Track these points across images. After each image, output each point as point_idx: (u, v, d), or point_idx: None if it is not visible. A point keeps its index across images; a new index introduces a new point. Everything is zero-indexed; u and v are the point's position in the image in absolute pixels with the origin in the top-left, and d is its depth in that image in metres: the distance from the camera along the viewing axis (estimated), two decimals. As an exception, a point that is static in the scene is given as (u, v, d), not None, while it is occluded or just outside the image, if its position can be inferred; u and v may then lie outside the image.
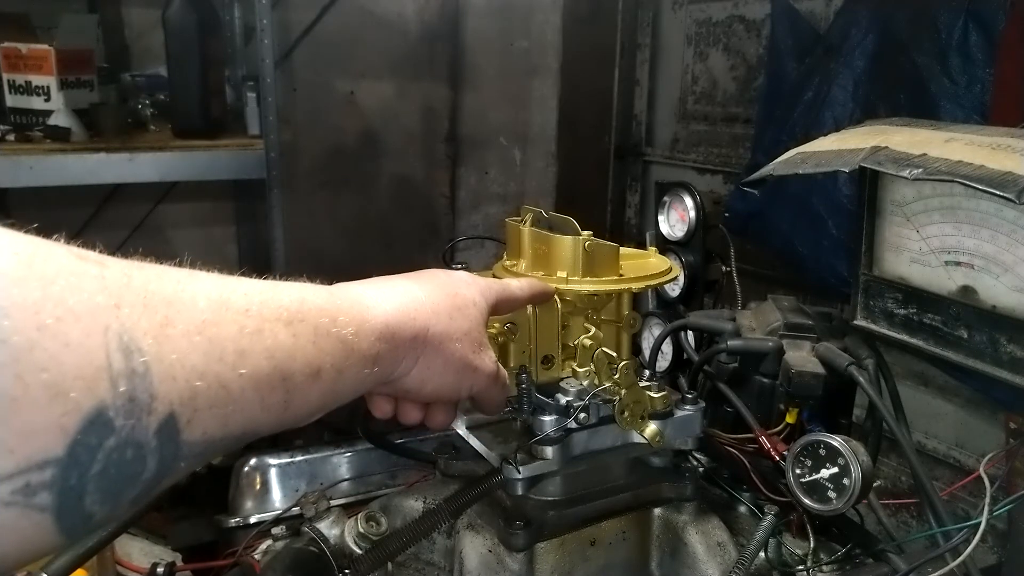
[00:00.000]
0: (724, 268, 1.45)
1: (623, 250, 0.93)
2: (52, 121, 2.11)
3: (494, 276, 0.94)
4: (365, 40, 2.85)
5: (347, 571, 0.84)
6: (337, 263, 2.96)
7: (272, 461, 1.31)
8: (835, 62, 2.08)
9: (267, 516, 1.21)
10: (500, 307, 0.75)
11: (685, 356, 1.30)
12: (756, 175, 1.18)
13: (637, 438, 0.86)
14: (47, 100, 2.12)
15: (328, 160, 2.89)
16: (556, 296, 0.86)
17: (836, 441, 0.86)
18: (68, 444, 0.36)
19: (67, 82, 2.13)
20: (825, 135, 1.16)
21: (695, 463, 1.02)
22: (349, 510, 1.01)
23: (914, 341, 1.04)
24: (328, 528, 0.96)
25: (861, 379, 0.95)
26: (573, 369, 0.86)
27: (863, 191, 1.08)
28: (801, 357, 1.00)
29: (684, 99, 2.95)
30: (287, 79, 2.72)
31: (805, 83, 2.17)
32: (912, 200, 1.03)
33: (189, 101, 2.28)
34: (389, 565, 0.90)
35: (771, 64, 2.38)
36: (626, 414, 0.83)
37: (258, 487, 1.30)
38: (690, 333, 1.27)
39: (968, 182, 0.86)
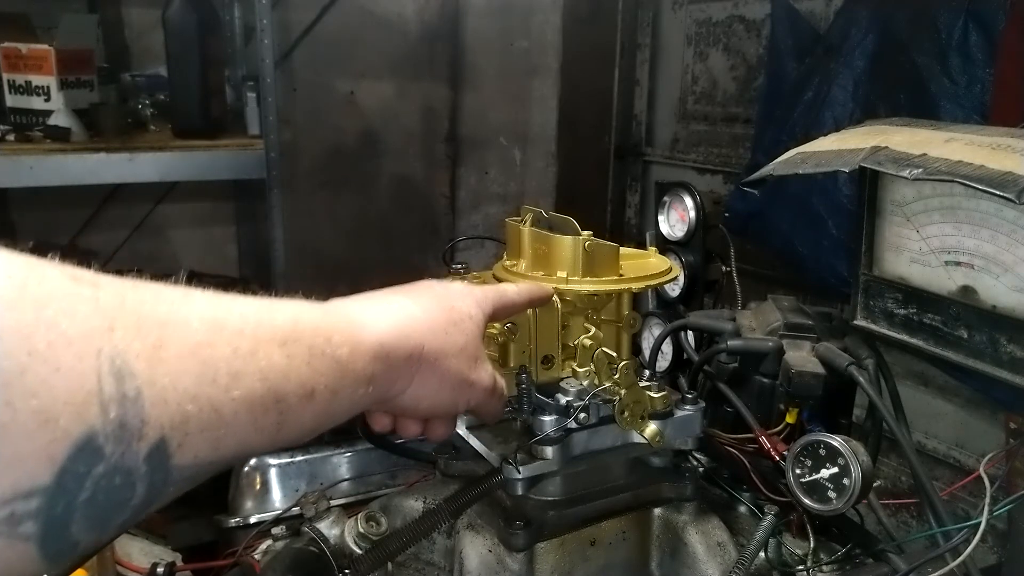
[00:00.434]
0: (724, 268, 1.45)
1: (623, 250, 0.93)
2: (52, 121, 2.12)
3: (494, 276, 0.94)
4: (365, 40, 2.85)
5: (347, 571, 0.84)
6: (337, 263, 2.96)
7: (272, 461, 1.31)
8: (835, 62, 2.08)
9: (267, 516, 1.21)
10: (498, 314, 0.75)
11: (685, 356, 1.30)
12: (756, 175, 1.18)
13: (637, 438, 0.86)
14: (47, 100, 2.12)
15: (328, 160, 2.89)
16: (556, 296, 0.86)
17: (836, 441, 0.86)
18: (56, 472, 0.35)
19: (67, 82, 2.13)
20: (825, 135, 1.16)
21: (695, 463, 1.02)
22: (349, 510, 1.01)
23: (914, 341, 1.04)
24: (328, 528, 0.96)
25: (861, 379, 0.95)
26: (573, 369, 0.86)
27: (863, 191, 1.08)
28: (801, 357, 1.00)
29: (684, 99, 2.95)
30: (287, 79, 2.72)
31: (805, 83, 2.17)
32: (912, 200, 1.03)
33: (189, 101, 2.28)
34: (389, 565, 0.90)
35: (771, 64, 2.38)
36: (626, 414, 0.83)
37: (258, 487, 1.30)
38: (690, 333, 1.27)
39: (968, 182, 0.86)
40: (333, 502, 1.02)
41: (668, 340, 1.31)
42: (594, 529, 0.90)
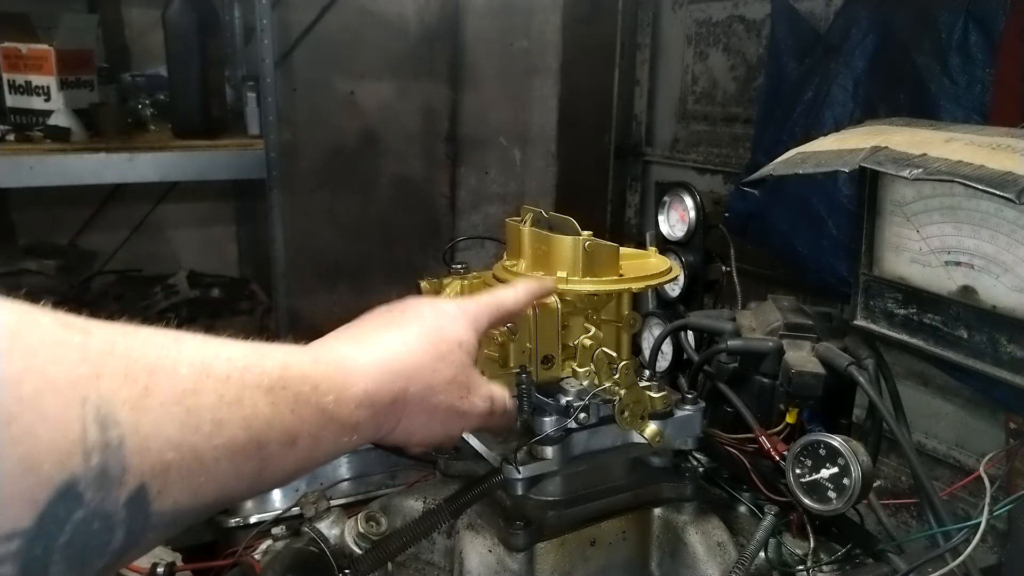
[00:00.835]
0: (724, 268, 1.45)
1: (623, 250, 0.93)
2: (52, 121, 2.12)
3: (494, 276, 0.94)
4: (365, 40, 2.85)
5: (347, 571, 0.84)
6: (337, 263, 2.96)
7: (272, 461, 1.31)
8: (835, 62, 2.08)
9: (267, 516, 1.21)
10: (496, 325, 0.74)
11: (685, 356, 1.30)
12: (756, 175, 1.18)
13: (637, 438, 0.86)
14: (47, 100, 2.12)
15: (328, 160, 2.89)
16: (556, 296, 0.86)
17: (836, 441, 0.86)
18: (36, 516, 0.36)
19: (67, 82, 2.13)
20: (825, 135, 1.16)
21: (695, 463, 1.02)
22: (349, 510, 1.01)
23: (914, 341, 1.04)
24: (328, 528, 0.96)
25: (861, 379, 0.95)
26: (573, 369, 0.86)
27: (863, 191, 1.08)
28: (801, 357, 1.00)
29: (684, 99, 2.95)
30: (287, 79, 2.72)
31: (805, 83, 2.17)
32: (912, 200, 1.03)
33: (189, 101, 2.28)
34: (389, 565, 0.90)
35: (771, 64, 2.38)
36: (626, 414, 0.83)
37: (258, 487, 1.30)
38: (690, 333, 1.27)
39: (968, 182, 0.86)
40: (333, 502, 1.02)
41: (668, 340, 1.31)
42: (594, 529, 0.90)
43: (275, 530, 1.01)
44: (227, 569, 1.06)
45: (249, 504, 1.29)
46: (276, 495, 1.30)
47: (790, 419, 1.00)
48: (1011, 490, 0.97)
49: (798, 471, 0.89)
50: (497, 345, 0.83)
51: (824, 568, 0.93)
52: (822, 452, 0.87)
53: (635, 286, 0.89)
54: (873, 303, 1.09)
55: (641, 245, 1.23)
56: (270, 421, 0.48)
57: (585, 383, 0.84)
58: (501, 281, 0.91)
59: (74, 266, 2.46)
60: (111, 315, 0.44)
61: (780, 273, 2.27)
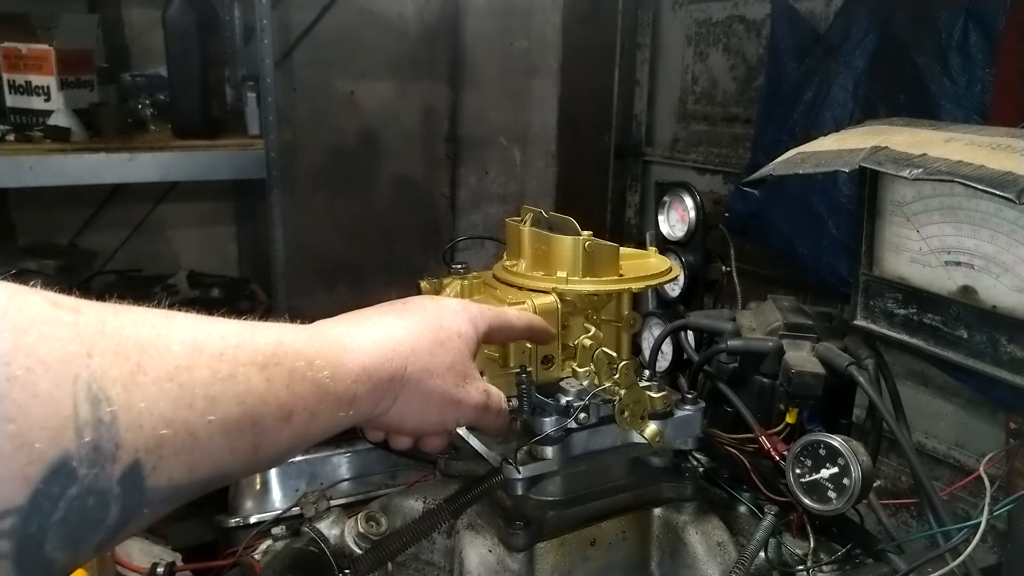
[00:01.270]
0: (724, 268, 1.45)
1: (623, 250, 0.93)
2: (52, 121, 2.12)
3: (494, 276, 0.94)
4: (365, 40, 2.85)
5: (347, 571, 0.84)
6: (337, 263, 2.96)
7: (272, 461, 1.31)
8: (835, 62, 2.08)
9: (267, 516, 1.21)
10: (493, 335, 0.74)
11: (685, 356, 1.30)
12: (756, 175, 1.18)
13: (637, 438, 0.86)
14: (47, 100, 2.12)
15: (328, 160, 2.89)
16: (556, 296, 0.86)
17: (836, 441, 0.86)
18: (30, 493, 0.36)
19: (67, 82, 2.13)
20: (825, 135, 1.16)
21: (695, 463, 1.02)
22: (349, 510, 1.01)
23: (914, 341, 1.04)
24: (328, 528, 0.96)
25: (861, 379, 0.95)
26: (573, 369, 0.86)
27: (863, 191, 1.08)
28: (801, 357, 1.00)
29: (684, 99, 2.95)
30: (287, 79, 2.72)
31: (805, 83, 2.17)
32: (912, 200, 1.03)
33: (189, 101, 2.28)
34: (389, 565, 0.90)
35: (771, 64, 2.38)
36: (626, 414, 0.83)
37: (258, 487, 1.30)
38: (690, 333, 1.27)
39: (968, 182, 0.86)
40: (333, 502, 1.02)
41: (668, 340, 1.31)
42: (594, 529, 0.90)
43: (275, 530, 1.01)
44: (227, 569, 1.06)
45: (249, 504, 1.29)
46: (276, 495, 1.30)
47: (790, 419, 1.00)
48: (1011, 490, 0.97)
49: (798, 471, 0.89)
50: (497, 345, 0.83)
51: (824, 568, 0.93)
52: (822, 452, 0.87)
53: (635, 286, 0.89)
54: (873, 303, 1.09)
55: (641, 245, 1.23)
56: (264, 397, 0.48)
57: (585, 383, 0.84)
58: (501, 281, 0.91)
59: (74, 266, 2.46)
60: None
61: (780, 273, 2.27)
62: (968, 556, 0.83)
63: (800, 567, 0.93)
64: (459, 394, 0.66)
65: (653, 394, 0.86)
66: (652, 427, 0.85)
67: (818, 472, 0.87)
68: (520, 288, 0.88)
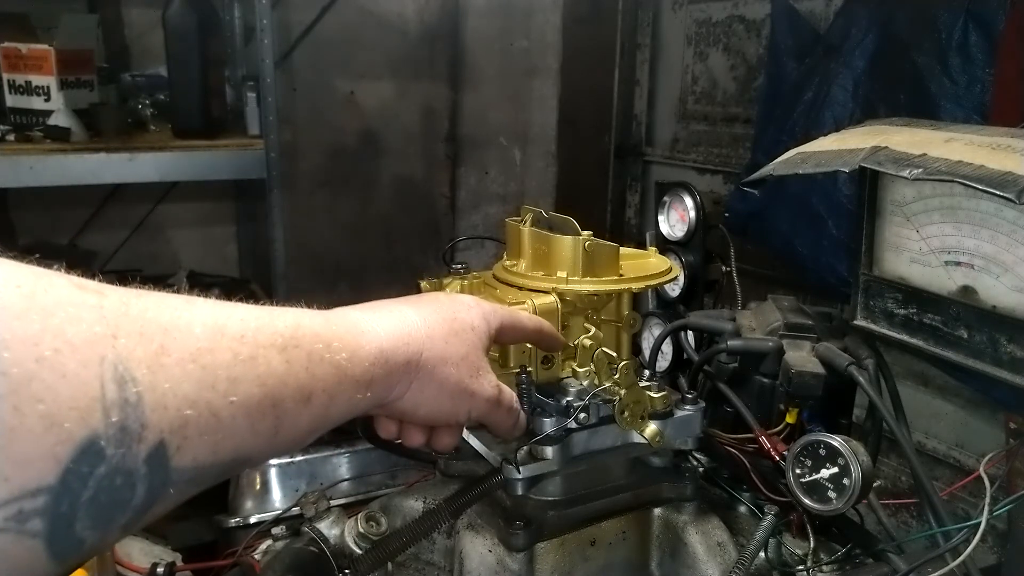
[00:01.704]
0: (724, 268, 1.45)
1: (623, 250, 0.93)
2: (52, 121, 2.12)
3: (494, 276, 0.94)
4: (365, 40, 2.86)
5: (347, 571, 0.84)
6: (337, 263, 2.96)
7: (272, 461, 1.32)
8: (835, 62, 2.08)
9: (267, 516, 1.21)
10: (505, 334, 0.74)
11: (685, 356, 1.30)
12: (756, 175, 1.18)
13: (637, 438, 0.86)
14: (47, 100, 2.12)
15: (328, 160, 2.89)
16: (556, 296, 0.86)
17: (836, 441, 0.86)
18: (60, 472, 0.37)
19: (67, 82, 2.13)
20: (825, 135, 1.16)
21: (695, 463, 1.02)
22: (349, 510, 1.01)
23: (914, 341, 1.04)
24: (328, 528, 0.96)
25: (861, 379, 0.95)
26: (573, 369, 0.86)
27: (863, 191, 1.08)
28: (801, 357, 1.00)
29: (684, 99, 2.95)
30: (287, 79, 2.72)
31: (805, 83, 2.17)
32: (912, 200, 1.03)
33: (189, 101, 2.28)
34: (389, 565, 0.90)
35: (771, 64, 2.38)
36: (626, 414, 0.83)
37: (258, 487, 1.30)
38: (690, 333, 1.27)
39: (968, 182, 0.86)
40: (333, 502, 1.02)
41: (668, 340, 1.31)
42: (594, 529, 0.90)
43: (275, 530, 1.01)
44: (227, 569, 1.06)
45: (249, 504, 1.29)
46: (276, 495, 1.30)
47: (790, 419, 1.00)
48: (1011, 490, 0.97)
49: (798, 471, 0.89)
50: (497, 345, 0.82)
51: (824, 568, 0.93)
52: (822, 452, 0.87)
53: (635, 286, 0.89)
54: (873, 303, 1.09)
55: (641, 245, 1.23)
56: (284, 378, 0.49)
57: (585, 383, 0.84)
58: (501, 281, 0.91)
59: (74, 266, 2.45)
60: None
61: (780, 273, 2.27)
62: (968, 556, 0.83)
63: (800, 567, 0.93)
64: (472, 385, 0.66)
65: (653, 394, 0.86)
66: (652, 427, 0.85)
67: (818, 472, 0.87)
68: (520, 288, 0.88)
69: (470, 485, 0.85)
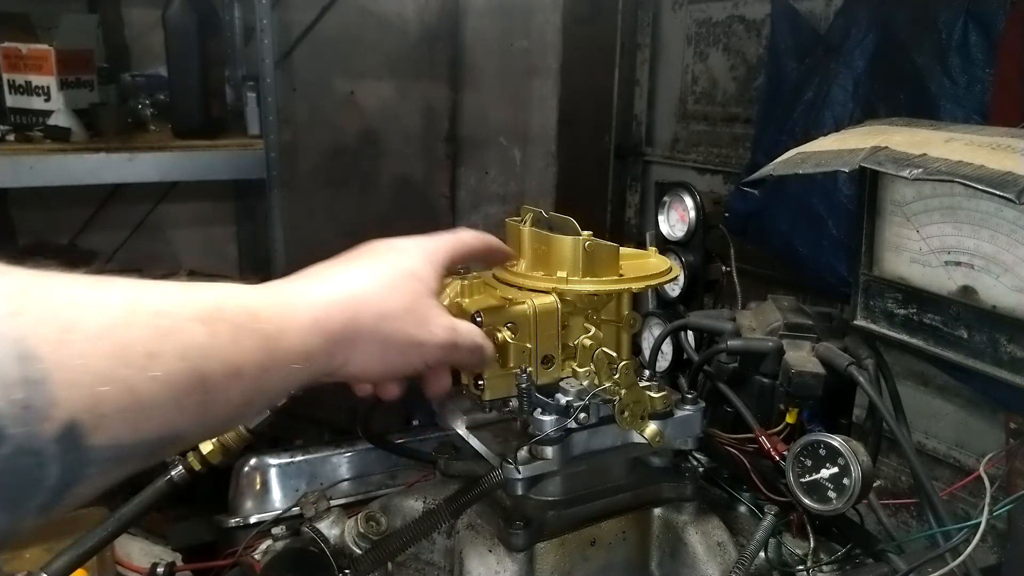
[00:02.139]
0: (724, 268, 1.45)
1: (623, 250, 0.93)
2: (52, 121, 2.12)
3: (494, 276, 0.93)
4: (365, 40, 2.86)
5: (347, 571, 0.84)
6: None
7: (272, 461, 1.31)
8: (835, 62, 2.08)
9: (267, 516, 1.21)
10: (455, 261, 0.74)
11: (685, 356, 1.30)
12: (756, 175, 1.18)
13: (637, 438, 0.86)
14: (47, 100, 2.12)
15: (328, 160, 2.89)
16: (556, 296, 0.86)
17: (836, 441, 0.86)
18: None
19: (67, 82, 2.13)
20: (825, 135, 1.16)
21: (695, 463, 1.02)
22: (349, 510, 1.01)
23: (914, 341, 1.04)
24: (328, 528, 0.96)
25: (861, 379, 0.95)
26: (573, 369, 0.86)
27: (863, 191, 1.08)
28: (801, 357, 1.00)
29: (684, 99, 2.95)
30: (287, 79, 2.72)
31: (805, 83, 2.17)
32: (912, 200, 1.03)
33: (189, 101, 2.28)
34: (389, 565, 0.90)
35: (771, 64, 2.38)
36: (626, 414, 0.83)
37: (258, 487, 1.30)
38: (690, 333, 1.27)
39: (968, 182, 0.86)
40: (333, 502, 1.02)
41: (668, 340, 1.31)
42: (594, 529, 0.90)
43: (275, 530, 1.01)
44: (227, 569, 1.06)
45: (249, 504, 1.29)
46: (276, 495, 1.30)
47: (790, 419, 1.00)
48: (1011, 490, 0.97)
49: (798, 471, 0.89)
50: (497, 345, 0.82)
51: (824, 568, 0.93)
52: (822, 452, 0.87)
53: (635, 286, 0.89)
54: (873, 303, 1.09)
55: (641, 245, 1.23)
56: (208, 351, 0.47)
57: (585, 383, 0.84)
58: (501, 281, 0.91)
59: (74, 266, 2.46)
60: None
61: (780, 273, 2.27)
62: (968, 556, 0.83)
63: (800, 567, 0.93)
64: (420, 334, 0.64)
65: (653, 394, 0.86)
66: (652, 427, 0.85)
67: (818, 472, 0.87)
68: (520, 288, 0.88)
69: (470, 485, 0.85)
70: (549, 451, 0.82)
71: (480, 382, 0.84)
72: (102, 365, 0.41)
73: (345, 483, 1.32)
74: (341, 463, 1.34)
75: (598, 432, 0.85)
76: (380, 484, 1.31)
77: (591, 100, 3.19)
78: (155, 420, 0.44)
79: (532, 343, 0.84)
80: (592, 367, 0.83)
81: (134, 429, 0.43)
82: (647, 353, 1.35)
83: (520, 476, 0.81)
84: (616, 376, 0.82)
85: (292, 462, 1.32)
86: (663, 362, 1.35)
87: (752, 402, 1.04)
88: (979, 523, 0.84)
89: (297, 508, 1.03)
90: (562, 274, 0.87)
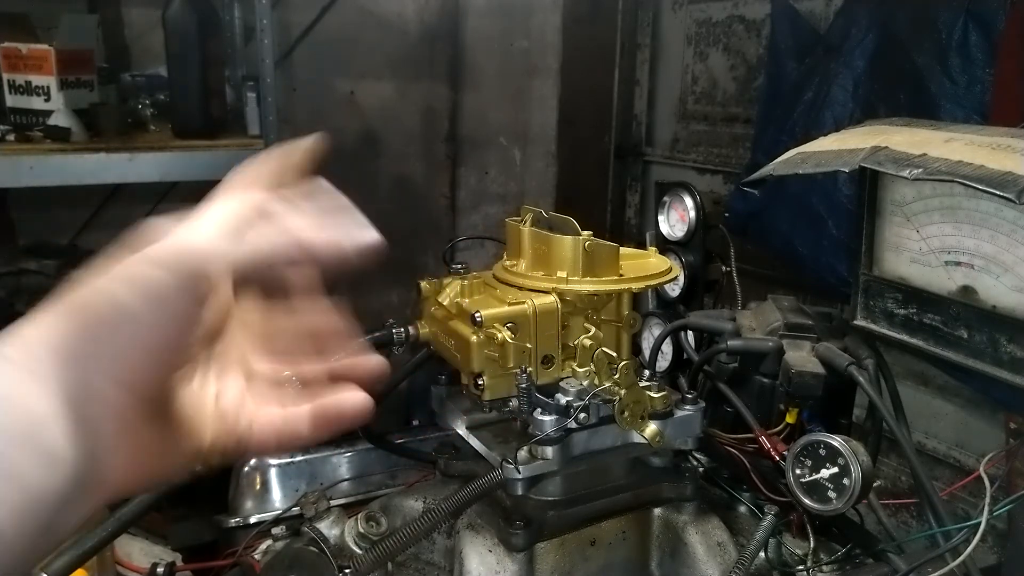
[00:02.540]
0: (724, 268, 1.45)
1: (623, 250, 0.93)
2: (52, 121, 2.11)
3: (494, 276, 0.93)
4: (365, 40, 2.85)
5: (347, 571, 0.84)
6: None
7: (272, 461, 1.31)
8: (835, 62, 2.08)
9: (267, 516, 1.21)
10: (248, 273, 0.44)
11: (685, 356, 1.30)
12: (756, 175, 1.18)
13: (637, 438, 0.86)
14: (47, 100, 2.12)
15: (328, 160, 2.89)
16: (556, 296, 0.86)
17: (836, 441, 0.86)
18: None
19: (67, 82, 2.13)
20: (825, 135, 1.16)
21: (695, 463, 1.02)
22: (349, 510, 1.01)
23: (914, 341, 1.04)
24: (328, 528, 0.96)
25: (861, 379, 0.95)
26: (573, 369, 0.86)
27: (863, 191, 1.08)
28: (801, 357, 1.00)
29: (684, 99, 2.95)
30: (287, 79, 2.72)
31: (805, 83, 2.17)
32: (912, 200, 1.03)
33: (189, 101, 2.27)
34: (389, 565, 0.90)
35: (771, 64, 2.38)
36: (626, 414, 0.83)
37: (258, 487, 1.30)
38: (690, 333, 1.27)
39: (968, 182, 0.86)
40: (333, 502, 1.02)
41: (668, 340, 1.31)
42: (594, 529, 0.90)
43: (275, 530, 1.01)
44: (227, 569, 1.06)
45: (249, 504, 1.29)
46: (276, 495, 1.30)
47: (790, 419, 1.00)
48: (1011, 490, 0.97)
49: (798, 471, 0.89)
50: (497, 345, 0.83)
51: (824, 568, 0.93)
52: (822, 452, 0.87)
53: (635, 286, 0.89)
54: (873, 303, 1.09)
55: (641, 245, 1.23)
56: None
57: (585, 383, 0.84)
58: (501, 281, 0.91)
59: (74, 266, 2.45)
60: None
61: (780, 273, 2.27)
62: (968, 556, 0.83)
63: (800, 567, 0.93)
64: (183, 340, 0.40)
65: (653, 394, 0.86)
66: (652, 427, 0.85)
67: (818, 472, 0.87)
68: (520, 288, 0.88)
69: (470, 485, 0.85)
70: (549, 451, 0.82)
71: (480, 382, 0.84)
72: None
73: (345, 483, 1.31)
74: (341, 463, 1.34)
75: (598, 432, 0.85)
76: (380, 484, 1.31)
77: (591, 100, 3.19)
78: None
79: (532, 343, 0.84)
80: (592, 367, 0.83)
81: None
82: (647, 353, 1.35)
83: (520, 476, 0.81)
84: (616, 376, 0.82)
85: (292, 462, 1.32)
86: (663, 362, 1.35)
87: (752, 402, 1.04)
88: (979, 523, 0.84)
89: (297, 508, 1.03)
90: (562, 274, 0.87)
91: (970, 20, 1.80)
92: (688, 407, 0.90)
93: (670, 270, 0.95)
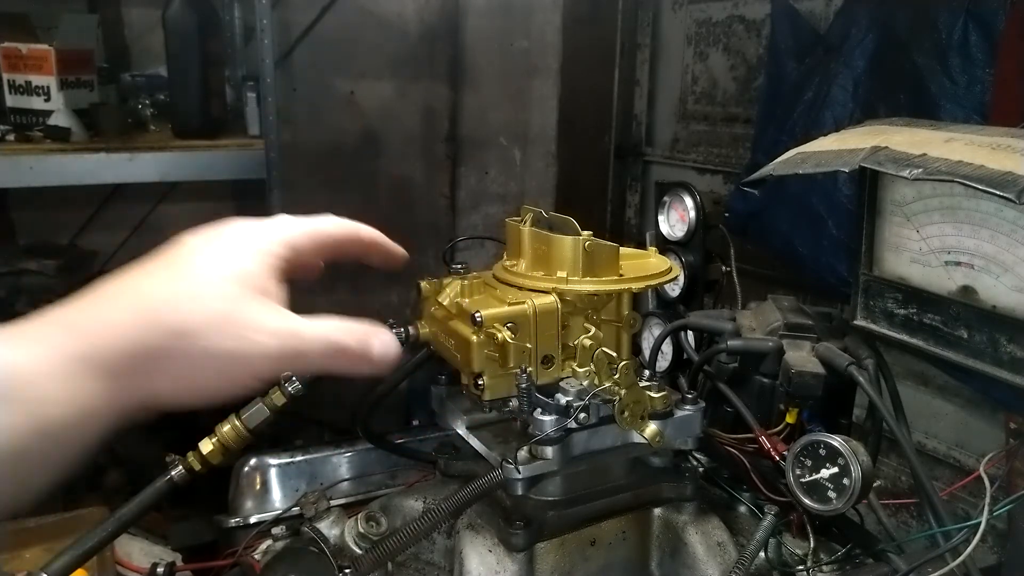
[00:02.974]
0: (724, 268, 1.45)
1: (623, 250, 0.93)
2: (52, 121, 2.11)
3: (494, 276, 0.93)
4: (365, 40, 2.85)
5: (347, 571, 0.84)
6: (336, 264, 2.96)
7: (272, 461, 1.31)
8: (835, 62, 2.08)
9: (267, 516, 1.21)
10: (308, 251, 0.61)
11: (685, 356, 1.30)
12: (756, 175, 1.18)
13: (637, 438, 0.86)
14: (47, 100, 2.12)
15: (328, 160, 2.89)
16: (556, 296, 0.86)
17: (836, 441, 0.86)
18: None
19: (67, 82, 2.13)
20: (825, 135, 1.16)
21: (695, 463, 1.02)
22: (349, 510, 1.01)
23: (914, 341, 1.04)
24: (328, 528, 0.96)
25: (861, 379, 0.95)
26: (573, 369, 0.86)
27: (863, 191, 1.08)
28: (801, 357, 1.00)
29: (684, 99, 2.95)
30: (287, 79, 2.72)
31: (805, 83, 2.17)
32: (912, 200, 1.03)
33: (189, 101, 2.27)
34: (389, 565, 0.90)
35: (771, 64, 2.38)
36: (626, 414, 0.83)
37: (258, 487, 1.30)
38: (690, 333, 1.27)
39: (968, 182, 0.86)
40: (333, 502, 1.02)
41: (668, 340, 1.31)
42: (594, 529, 0.90)
43: (275, 530, 1.01)
44: (227, 569, 1.06)
45: (249, 504, 1.29)
46: (276, 495, 1.30)
47: (790, 419, 1.00)
48: (1011, 490, 0.97)
49: (798, 471, 0.89)
50: (497, 345, 0.83)
51: (824, 568, 0.93)
52: (822, 452, 0.87)
53: (635, 286, 0.89)
54: (873, 303, 1.09)
55: (641, 245, 1.23)
56: None
57: (585, 383, 0.84)
58: (501, 281, 0.91)
59: (74, 266, 2.45)
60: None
61: (780, 273, 2.27)
62: (968, 556, 0.83)
63: (800, 567, 0.93)
64: (240, 348, 0.50)
65: (653, 394, 0.86)
66: (652, 427, 0.85)
67: (818, 472, 0.87)
68: (520, 288, 0.88)
69: (470, 485, 0.85)
70: (549, 451, 0.82)
71: (480, 382, 0.84)
72: None
73: (345, 483, 1.32)
74: (341, 463, 1.34)
75: (598, 432, 0.85)
76: (380, 484, 1.31)
77: (591, 100, 3.19)
78: None
79: (532, 343, 0.84)
80: (592, 367, 0.83)
81: None
82: (647, 353, 1.35)
83: (520, 476, 0.81)
84: (616, 376, 0.82)
85: (292, 462, 1.32)
86: (663, 362, 1.35)
87: (752, 402, 1.04)
88: (979, 523, 0.84)
89: (297, 508, 1.03)
90: (562, 274, 0.87)
91: (970, 20, 1.80)
92: (688, 407, 0.90)
93: (670, 270, 0.95)
